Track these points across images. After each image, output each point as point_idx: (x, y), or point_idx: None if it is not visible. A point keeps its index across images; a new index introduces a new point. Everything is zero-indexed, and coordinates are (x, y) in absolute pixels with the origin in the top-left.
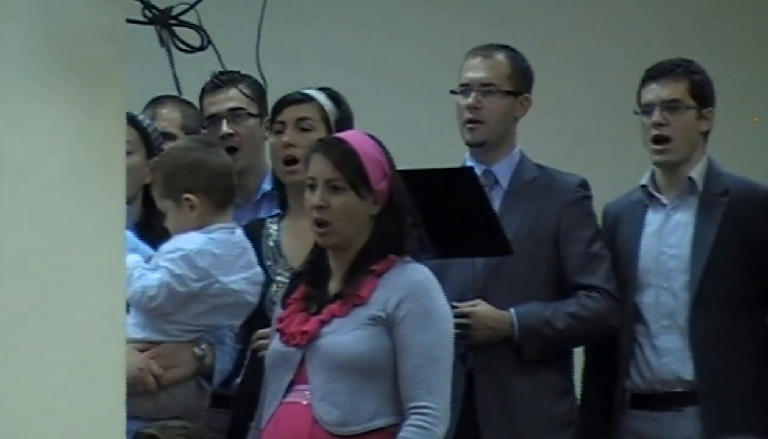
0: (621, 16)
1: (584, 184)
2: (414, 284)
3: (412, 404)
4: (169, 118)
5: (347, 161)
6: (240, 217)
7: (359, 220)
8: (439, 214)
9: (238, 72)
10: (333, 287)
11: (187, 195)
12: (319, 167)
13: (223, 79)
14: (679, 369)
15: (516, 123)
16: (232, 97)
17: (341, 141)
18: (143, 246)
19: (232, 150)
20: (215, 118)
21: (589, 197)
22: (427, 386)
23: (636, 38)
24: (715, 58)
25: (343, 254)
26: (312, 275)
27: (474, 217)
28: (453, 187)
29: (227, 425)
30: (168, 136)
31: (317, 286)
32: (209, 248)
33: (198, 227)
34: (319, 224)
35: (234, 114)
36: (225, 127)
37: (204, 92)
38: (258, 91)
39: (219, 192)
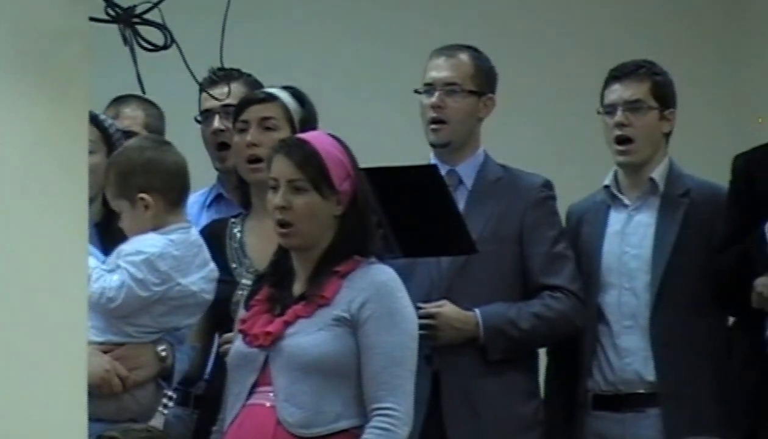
0: (584, 17)
1: (548, 185)
2: (378, 284)
3: (376, 406)
4: (132, 116)
5: (310, 162)
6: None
7: (322, 220)
8: (404, 213)
9: (236, 69)
10: (297, 288)
11: (141, 195)
12: (282, 168)
13: (219, 75)
14: (641, 369)
15: (480, 123)
16: (224, 94)
17: (303, 142)
18: (92, 248)
19: (223, 146)
20: (209, 114)
21: (553, 197)
22: (390, 387)
23: (599, 39)
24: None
25: (307, 255)
26: (276, 276)
27: (439, 216)
28: (417, 186)
29: (192, 427)
30: (131, 135)
31: (281, 287)
32: (169, 250)
33: (154, 228)
34: (282, 224)
35: (227, 110)
36: (217, 123)
37: (201, 87)
38: (255, 89)
39: (174, 191)
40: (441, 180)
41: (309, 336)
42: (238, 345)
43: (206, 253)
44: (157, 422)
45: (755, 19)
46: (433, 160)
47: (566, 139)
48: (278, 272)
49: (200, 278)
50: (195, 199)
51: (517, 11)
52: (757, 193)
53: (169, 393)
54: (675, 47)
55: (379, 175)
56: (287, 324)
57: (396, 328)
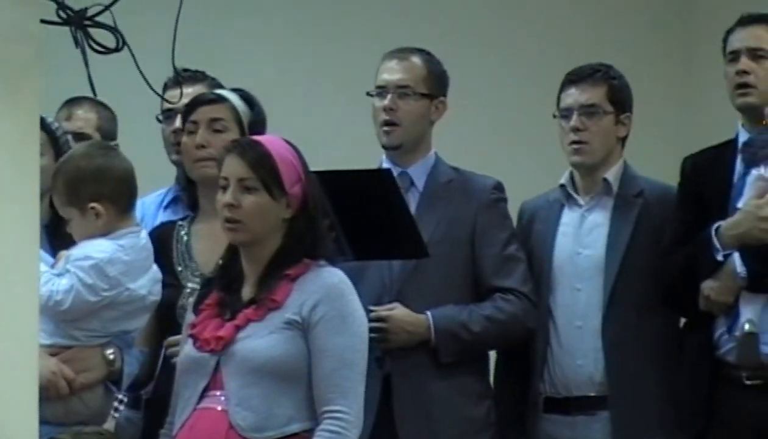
0: (536, 21)
1: (499, 187)
2: (328, 287)
3: (326, 408)
4: (84, 118)
5: (262, 163)
6: None
7: (271, 221)
8: (356, 216)
9: (202, 72)
10: (246, 292)
11: (92, 204)
12: (233, 167)
13: (183, 77)
14: (591, 371)
15: (431, 126)
16: (188, 95)
17: (257, 143)
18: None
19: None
20: (171, 113)
21: (504, 199)
22: (341, 390)
23: (550, 42)
24: (627, 61)
25: (256, 258)
26: (224, 280)
27: (391, 219)
28: (370, 189)
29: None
30: (83, 137)
31: (230, 291)
32: (119, 255)
33: (104, 234)
34: (230, 221)
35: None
36: (178, 123)
37: (165, 88)
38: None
39: (124, 198)
40: (394, 184)
41: (260, 340)
42: (188, 350)
43: (152, 254)
44: (108, 425)
45: (706, 22)
46: (385, 163)
47: (517, 142)
48: (227, 276)
49: (147, 280)
50: (152, 199)
51: (469, 15)
52: (705, 195)
53: (120, 396)
54: (626, 50)
55: (332, 178)
56: (238, 328)
57: (347, 330)
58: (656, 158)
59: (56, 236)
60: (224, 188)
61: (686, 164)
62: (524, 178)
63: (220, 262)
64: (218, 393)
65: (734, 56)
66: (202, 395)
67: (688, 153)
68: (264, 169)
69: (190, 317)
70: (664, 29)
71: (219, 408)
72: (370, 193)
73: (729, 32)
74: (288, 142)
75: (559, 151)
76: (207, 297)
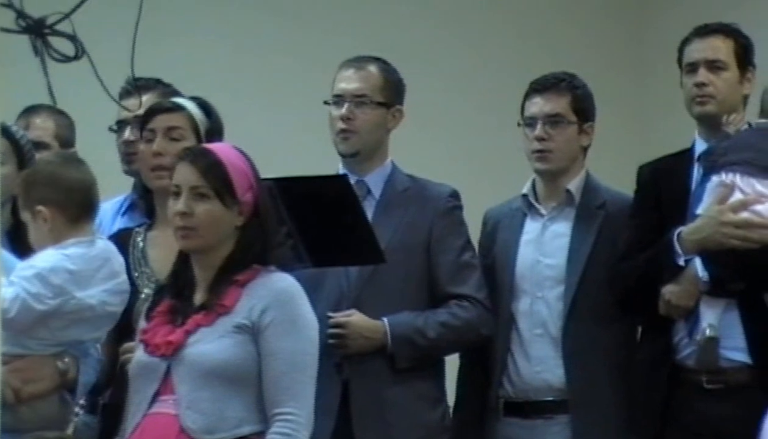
0: (491, 31)
1: (455, 195)
2: (278, 291)
3: (276, 411)
4: (43, 127)
5: (213, 170)
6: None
7: (223, 228)
8: (314, 223)
9: (155, 79)
10: (198, 298)
11: (39, 207)
12: (185, 175)
13: (135, 86)
14: (550, 378)
15: (388, 134)
16: (135, 106)
17: (208, 151)
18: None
19: (132, 155)
20: (122, 124)
21: (460, 207)
22: (291, 392)
23: (506, 53)
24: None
25: (207, 264)
26: (176, 287)
27: (348, 225)
28: (327, 195)
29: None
30: (42, 146)
31: (181, 298)
32: (63, 264)
33: (53, 241)
34: (182, 229)
35: (138, 121)
36: (127, 134)
37: (120, 97)
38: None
39: (74, 207)
40: (351, 190)
41: (210, 344)
42: (139, 355)
43: (116, 265)
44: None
45: (656, 35)
46: (342, 171)
47: (474, 150)
48: (178, 283)
49: (103, 290)
50: (110, 206)
51: (425, 25)
52: (664, 202)
53: (81, 402)
54: (579, 62)
55: (289, 185)
56: (188, 333)
57: (297, 334)
58: (606, 167)
59: (18, 242)
60: (176, 195)
61: (643, 172)
62: (480, 187)
63: (172, 268)
64: (169, 398)
65: (692, 68)
66: (153, 400)
67: (638, 162)
68: (216, 177)
69: (142, 324)
70: (615, 41)
71: (170, 412)
72: (327, 200)
73: (685, 42)
74: (239, 150)
75: (515, 160)
76: (159, 304)
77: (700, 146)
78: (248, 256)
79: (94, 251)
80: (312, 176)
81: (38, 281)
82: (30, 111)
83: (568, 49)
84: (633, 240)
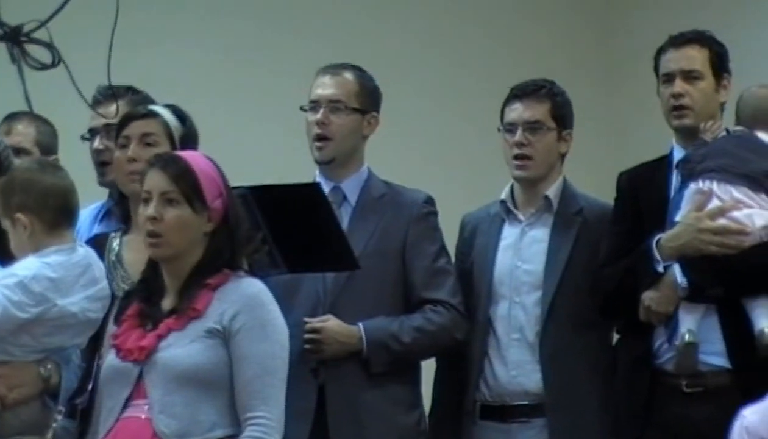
0: (466, 40)
1: (430, 201)
2: (249, 296)
3: (248, 415)
4: (23, 133)
5: (183, 177)
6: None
7: (192, 234)
8: (288, 230)
9: (126, 87)
10: (167, 303)
11: (18, 215)
12: (155, 181)
13: (106, 94)
14: (526, 382)
15: (364, 141)
16: (109, 113)
17: (178, 158)
18: None
19: (104, 165)
20: (93, 132)
21: (435, 213)
22: (262, 396)
23: (480, 61)
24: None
25: (177, 270)
26: (145, 292)
27: (321, 232)
28: (300, 203)
29: None
30: (22, 152)
31: (151, 303)
32: (44, 272)
33: (33, 249)
34: (152, 235)
35: (108, 130)
36: (97, 143)
37: (90, 106)
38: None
39: (50, 212)
40: (323, 198)
41: (182, 348)
42: (111, 360)
43: (96, 271)
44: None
45: (625, 41)
46: (318, 177)
47: (450, 156)
48: (148, 288)
49: (84, 297)
50: (87, 213)
51: (402, 32)
52: (642, 209)
53: (60, 408)
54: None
55: (264, 193)
56: (160, 338)
57: (267, 338)
58: (578, 175)
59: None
60: (146, 201)
61: (622, 179)
62: (456, 192)
63: (141, 275)
64: (141, 402)
65: (668, 78)
66: (126, 405)
67: (609, 170)
68: (186, 183)
69: (112, 328)
70: (586, 47)
71: (142, 416)
72: (300, 207)
73: (660, 52)
74: (208, 157)
75: (491, 166)
76: (128, 308)
77: (678, 153)
78: (218, 262)
79: (75, 258)
80: (285, 184)
81: (19, 289)
82: (12, 117)
83: (542, 55)
84: (613, 247)
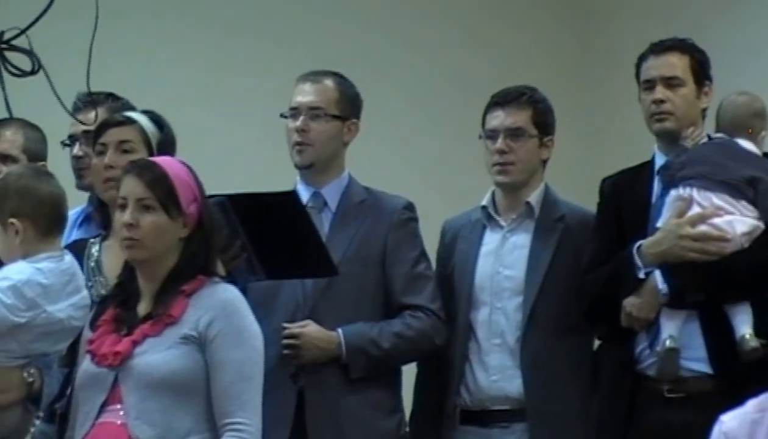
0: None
1: (410, 207)
2: (224, 302)
3: (226, 421)
4: (11, 140)
5: (159, 183)
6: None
7: (168, 240)
8: (267, 237)
9: (105, 94)
10: (142, 308)
11: (12, 219)
12: (131, 187)
13: (85, 101)
14: (507, 387)
15: (344, 148)
16: (89, 120)
17: (153, 164)
18: None
19: (83, 171)
20: (73, 139)
21: (415, 219)
22: (240, 402)
23: (462, 65)
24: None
25: (153, 274)
26: (121, 297)
27: (299, 239)
28: (278, 210)
29: None
30: (9, 159)
31: (126, 308)
32: (36, 278)
33: (24, 255)
34: (128, 240)
35: (87, 136)
36: (76, 149)
37: (70, 113)
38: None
39: (45, 219)
40: (301, 205)
41: (158, 354)
42: (86, 365)
43: (80, 280)
44: None
45: (604, 50)
46: (299, 183)
47: (431, 162)
48: (123, 293)
49: (69, 305)
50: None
51: (381, 39)
52: (624, 215)
53: (40, 413)
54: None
55: (242, 201)
56: (135, 343)
57: (243, 344)
58: (559, 180)
59: None
60: (122, 207)
61: (605, 185)
62: (437, 198)
63: (117, 279)
64: (117, 407)
65: (649, 85)
66: (101, 410)
67: (590, 175)
68: (161, 189)
69: (87, 334)
70: (562, 56)
71: (118, 422)
72: (278, 215)
73: (642, 59)
74: (183, 163)
75: (472, 172)
76: (104, 313)
77: (660, 160)
78: (193, 267)
79: (63, 266)
80: (263, 192)
81: (12, 293)
82: (1, 123)
83: (523, 62)
84: (596, 253)
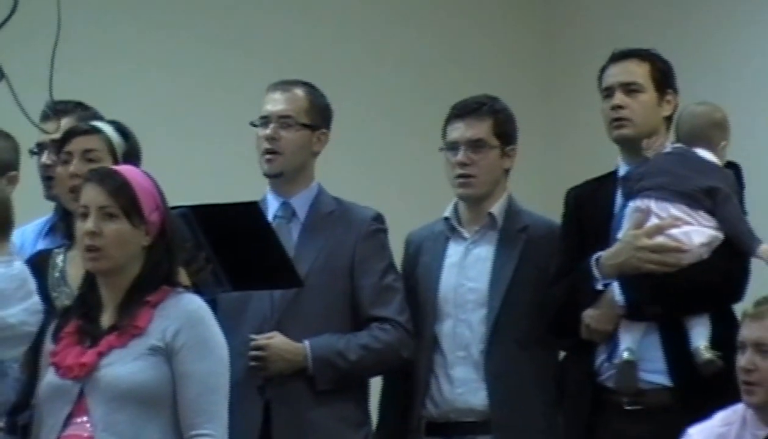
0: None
1: (378, 218)
2: (189, 313)
3: (193, 433)
4: None
5: (121, 190)
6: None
7: (131, 248)
8: (231, 248)
9: (75, 102)
10: (106, 319)
11: None
12: (93, 195)
13: (54, 109)
14: (472, 400)
15: (314, 158)
16: (53, 129)
17: (114, 172)
18: None
19: (50, 180)
20: (42, 147)
21: (384, 230)
22: (207, 414)
23: (428, 75)
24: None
25: (116, 285)
26: (83, 308)
27: (264, 250)
28: (242, 221)
29: None
30: None
31: (89, 319)
32: None
33: None
34: (90, 249)
35: (56, 145)
36: (44, 158)
37: (41, 120)
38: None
39: None
40: (262, 216)
41: (125, 366)
42: (50, 378)
43: (31, 285)
44: None
45: (567, 58)
46: (269, 193)
47: (400, 173)
48: (85, 305)
49: (22, 310)
50: (32, 228)
51: (348, 49)
52: (586, 226)
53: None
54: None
55: (205, 212)
56: (101, 355)
57: (209, 356)
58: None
59: None
60: (84, 216)
61: (569, 196)
62: (405, 209)
63: (78, 290)
64: (83, 420)
65: (609, 92)
66: (67, 423)
67: (549, 186)
68: (123, 197)
69: (50, 346)
70: (524, 66)
71: (85, 435)
72: (242, 226)
73: (603, 69)
74: (144, 172)
75: (441, 183)
76: (66, 325)
77: (623, 170)
78: (156, 276)
79: (13, 271)
80: (225, 203)
81: None
82: None
83: (488, 70)
84: (560, 265)
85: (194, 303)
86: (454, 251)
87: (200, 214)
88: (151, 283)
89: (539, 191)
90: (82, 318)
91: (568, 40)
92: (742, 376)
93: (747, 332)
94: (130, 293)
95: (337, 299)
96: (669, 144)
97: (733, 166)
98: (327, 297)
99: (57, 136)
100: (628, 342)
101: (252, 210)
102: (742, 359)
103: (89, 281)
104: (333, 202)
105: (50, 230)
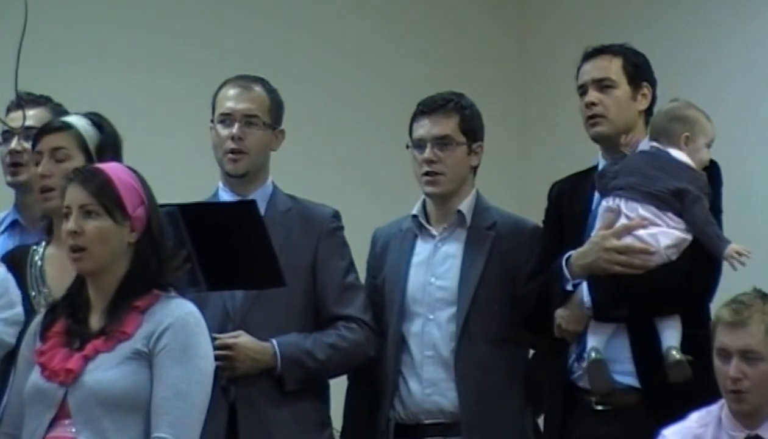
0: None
1: (337, 215)
2: (176, 318)
3: (155, 435)
4: None
5: (102, 189)
6: (28, 240)
7: (115, 245)
8: (215, 247)
9: (45, 96)
10: (94, 320)
11: None
12: (74, 195)
13: (25, 100)
14: (441, 401)
15: (269, 155)
16: (29, 117)
17: (96, 170)
18: None
19: (17, 165)
20: (9, 135)
21: (342, 228)
22: (171, 418)
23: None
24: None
25: (104, 285)
26: (71, 308)
27: (252, 250)
28: (234, 221)
29: None
30: None
31: (77, 320)
32: None
33: None
34: (74, 249)
35: (27, 133)
36: (14, 144)
37: (7, 111)
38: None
39: None
40: (258, 216)
41: (108, 371)
42: (35, 379)
43: (12, 295)
44: None
45: (540, 54)
46: (221, 190)
47: (357, 169)
48: (74, 304)
49: (1, 319)
50: None
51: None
52: (565, 222)
53: None
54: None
55: (193, 211)
56: (87, 359)
57: (187, 362)
58: (490, 189)
59: None
60: (67, 216)
61: (553, 190)
62: (364, 206)
63: (67, 290)
64: (67, 423)
65: (583, 90)
66: (51, 426)
67: (524, 183)
68: (105, 195)
69: (36, 344)
70: (498, 63)
71: (68, 437)
72: (233, 225)
73: (579, 68)
74: (129, 167)
75: (400, 179)
76: (54, 324)
77: (602, 165)
78: (144, 275)
79: None
80: (218, 202)
81: None
82: None
83: (456, 66)
84: (538, 261)
85: (183, 309)
86: (422, 248)
87: (188, 213)
88: (139, 283)
89: (515, 189)
90: (69, 318)
91: (542, 36)
92: (729, 385)
93: (729, 339)
94: (118, 294)
95: (299, 297)
96: (647, 140)
97: (710, 163)
98: (289, 296)
99: (16, 128)
100: (594, 342)
101: (249, 209)
102: (729, 368)
103: (78, 282)
104: (288, 199)
105: (9, 226)
